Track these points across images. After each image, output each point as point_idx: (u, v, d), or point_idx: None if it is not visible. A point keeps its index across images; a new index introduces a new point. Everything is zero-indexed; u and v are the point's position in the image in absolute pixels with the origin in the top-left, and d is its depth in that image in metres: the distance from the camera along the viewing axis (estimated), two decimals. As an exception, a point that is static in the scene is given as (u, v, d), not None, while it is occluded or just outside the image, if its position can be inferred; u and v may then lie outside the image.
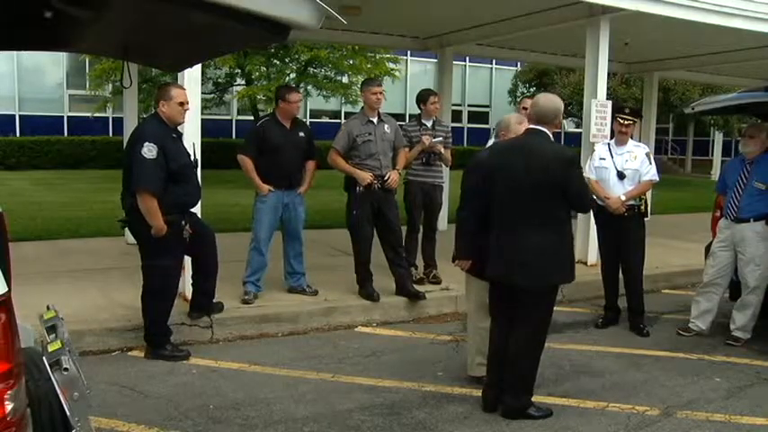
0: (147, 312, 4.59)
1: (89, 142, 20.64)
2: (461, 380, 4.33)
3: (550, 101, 3.89)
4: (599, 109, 7.13)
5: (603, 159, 5.52)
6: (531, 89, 23.82)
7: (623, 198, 5.34)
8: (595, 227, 6.05)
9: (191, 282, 5.08)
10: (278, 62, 16.71)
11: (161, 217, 4.36)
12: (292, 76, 16.98)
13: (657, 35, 8.75)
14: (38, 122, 21.85)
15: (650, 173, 5.42)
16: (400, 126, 6.07)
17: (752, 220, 5.14)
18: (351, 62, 16.33)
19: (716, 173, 22.98)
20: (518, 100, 18.92)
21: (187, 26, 2.24)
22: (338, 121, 22.34)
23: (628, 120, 5.45)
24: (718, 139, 25.94)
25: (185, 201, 4.60)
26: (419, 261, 6.43)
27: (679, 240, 8.99)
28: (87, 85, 20.64)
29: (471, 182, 4.09)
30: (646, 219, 5.59)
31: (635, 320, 5.54)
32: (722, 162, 21.69)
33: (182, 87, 4.72)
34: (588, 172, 5.47)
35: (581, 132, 7.72)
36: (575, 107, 19.64)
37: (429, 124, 6.37)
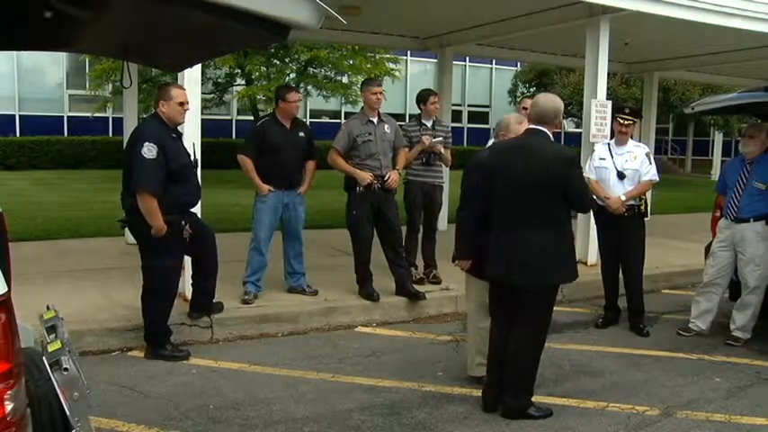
0: (147, 312, 4.60)
1: (89, 142, 20.64)
2: (461, 380, 4.33)
3: (550, 101, 3.88)
4: (599, 109, 7.13)
5: (603, 159, 5.52)
6: (531, 89, 23.80)
7: (623, 198, 5.34)
8: (595, 227, 6.05)
9: (191, 282, 5.08)
10: (278, 62, 16.70)
11: (161, 217, 4.36)
12: (292, 76, 16.98)
13: (657, 35, 8.75)
14: (38, 122, 21.84)
15: (650, 173, 5.42)
16: (400, 126, 6.07)
17: (752, 220, 5.14)
18: (351, 62, 16.33)
19: (716, 173, 22.99)
20: (518, 100, 18.93)
21: (187, 26, 2.24)
22: (338, 121, 22.33)
23: (628, 120, 5.45)
24: (718, 139, 25.93)
25: (185, 201, 4.60)
26: (419, 261, 6.43)
27: (679, 240, 8.99)
28: (87, 85, 20.65)
29: (471, 182, 4.09)
30: (646, 219, 5.59)
31: (635, 320, 5.54)
32: (722, 162, 21.70)
33: (182, 87, 4.72)
34: (588, 172, 5.47)
35: (581, 132, 7.72)
36: (575, 107, 19.63)
37: (429, 124, 6.37)
